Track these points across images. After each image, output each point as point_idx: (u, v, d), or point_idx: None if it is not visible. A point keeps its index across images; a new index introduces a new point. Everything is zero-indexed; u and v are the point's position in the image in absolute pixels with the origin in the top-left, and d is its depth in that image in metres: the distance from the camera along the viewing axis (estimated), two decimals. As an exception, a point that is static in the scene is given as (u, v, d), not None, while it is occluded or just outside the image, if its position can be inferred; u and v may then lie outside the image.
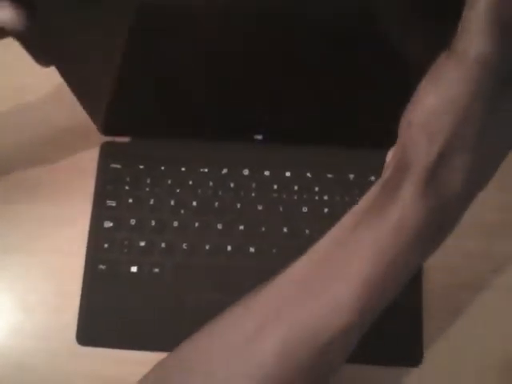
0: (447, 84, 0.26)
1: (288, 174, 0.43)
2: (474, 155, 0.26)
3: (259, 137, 0.43)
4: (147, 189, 0.43)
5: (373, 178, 0.43)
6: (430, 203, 0.26)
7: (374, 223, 0.27)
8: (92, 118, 0.42)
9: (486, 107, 0.25)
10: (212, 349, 0.28)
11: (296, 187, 0.43)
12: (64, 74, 0.36)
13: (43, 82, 0.46)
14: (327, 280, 0.27)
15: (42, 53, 0.33)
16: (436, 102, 0.26)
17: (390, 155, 0.29)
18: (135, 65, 0.39)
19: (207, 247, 0.42)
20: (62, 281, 0.42)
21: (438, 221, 0.26)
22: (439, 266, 0.41)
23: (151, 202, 0.43)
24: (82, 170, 0.44)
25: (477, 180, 0.27)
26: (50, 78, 0.45)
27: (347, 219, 0.29)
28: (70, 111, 0.45)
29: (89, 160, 0.44)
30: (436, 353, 0.40)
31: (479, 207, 0.42)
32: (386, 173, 0.28)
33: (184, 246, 0.42)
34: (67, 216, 0.43)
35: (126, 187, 0.43)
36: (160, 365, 0.29)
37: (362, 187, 0.43)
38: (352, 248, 0.27)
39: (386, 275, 0.26)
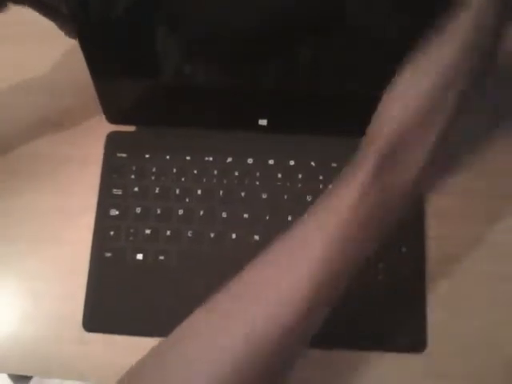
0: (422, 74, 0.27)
1: (292, 162, 0.43)
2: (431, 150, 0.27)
3: (264, 122, 0.43)
4: (153, 177, 0.43)
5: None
6: (382, 185, 0.27)
7: (329, 207, 0.28)
8: (103, 106, 0.43)
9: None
10: (199, 333, 0.28)
11: (300, 176, 0.43)
12: (85, 49, 0.37)
13: (50, 74, 0.47)
14: (284, 266, 0.28)
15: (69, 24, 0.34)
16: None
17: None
18: (145, 52, 0.40)
19: (212, 235, 0.42)
20: (69, 268, 0.43)
21: (388, 204, 0.28)
22: (443, 255, 0.42)
23: (156, 190, 0.43)
24: (88, 159, 0.44)
25: (428, 170, 0.28)
26: (57, 70, 0.47)
27: (315, 202, 0.30)
28: (78, 99, 0.46)
29: (95, 149, 0.45)
30: (440, 338, 0.40)
31: (486, 194, 0.43)
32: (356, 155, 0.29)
33: (189, 233, 0.42)
34: (74, 205, 0.44)
35: (132, 176, 0.44)
36: (154, 349, 0.29)
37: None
38: (306, 233, 0.28)
39: (337, 260, 0.27)
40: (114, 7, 0.35)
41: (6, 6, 0.35)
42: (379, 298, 0.40)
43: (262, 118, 0.43)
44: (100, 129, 0.45)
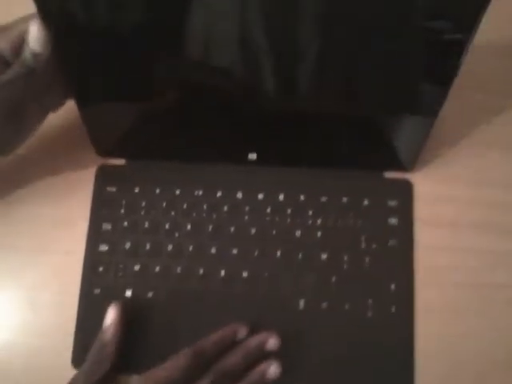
0: None
1: (281, 197, 0.43)
2: None
3: (253, 156, 0.43)
4: (142, 212, 0.43)
5: (366, 202, 0.43)
6: None
7: None
8: (91, 139, 0.43)
9: None
10: None
11: (289, 210, 0.43)
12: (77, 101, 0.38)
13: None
14: None
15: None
16: None
17: None
18: (134, 91, 0.40)
19: (201, 271, 0.42)
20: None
21: None
22: (433, 291, 0.41)
23: (146, 225, 0.43)
24: (78, 192, 0.44)
25: None
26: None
27: None
28: (67, 132, 0.46)
29: (85, 182, 0.45)
30: (430, 376, 0.40)
31: (479, 204, 0.43)
32: None
33: (178, 270, 0.42)
34: (64, 240, 0.44)
35: (122, 210, 0.44)
36: None
37: (356, 211, 0.43)
38: None
39: None
40: (99, 40, 0.35)
41: None
42: (368, 334, 0.40)
43: (252, 152, 0.43)
44: (91, 161, 0.45)
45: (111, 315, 0.39)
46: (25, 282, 0.43)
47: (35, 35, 0.33)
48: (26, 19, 0.34)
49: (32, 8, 0.32)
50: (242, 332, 0.39)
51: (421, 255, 0.42)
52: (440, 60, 0.35)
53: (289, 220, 0.43)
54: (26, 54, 0.34)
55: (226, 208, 0.43)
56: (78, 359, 0.41)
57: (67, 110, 0.42)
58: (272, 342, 0.38)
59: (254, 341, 0.38)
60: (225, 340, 0.38)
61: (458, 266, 0.42)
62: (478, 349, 0.40)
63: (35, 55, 0.34)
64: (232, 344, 0.38)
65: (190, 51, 0.36)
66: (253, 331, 0.40)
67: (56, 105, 0.41)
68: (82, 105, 0.40)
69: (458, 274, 0.42)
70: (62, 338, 0.41)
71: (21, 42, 0.34)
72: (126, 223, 0.43)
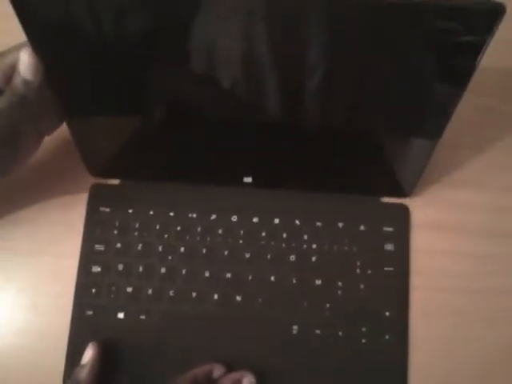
0: None
1: (276, 221, 0.43)
2: None
3: (248, 179, 0.43)
4: (136, 233, 0.43)
5: (362, 227, 0.42)
6: None
7: None
8: (84, 160, 0.42)
9: None
10: None
11: (284, 235, 0.42)
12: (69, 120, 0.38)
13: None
14: None
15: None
16: None
17: None
18: (127, 112, 0.39)
19: (194, 295, 0.41)
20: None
21: None
22: (427, 321, 0.41)
23: (139, 247, 0.43)
24: (72, 212, 0.44)
25: None
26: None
27: None
28: (62, 152, 0.45)
29: (78, 201, 0.44)
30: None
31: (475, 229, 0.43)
32: None
33: (171, 293, 0.42)
34: (56, 261, 0.43)
35: (115, 231, 0.43)
36: None
37: (351, 236, 0.42)
38: None
39: None
40: (89, 66, 0.35)
41: None
42: (361, 362, 0.40)
43: (247, 175, 0.42)
44: (85, 180, 0.44)
45: (89, 354, 0.39)
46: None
47: (26, 63, 0.33)
48: (17, 48, 0.34)
49: (22, 37, 0.32)
50: (218, 371, 0.39)
51: (417, 281, 0.42)
52: (444, 86, 0.34)
53: (284, 244, 0.42)
54: (17, 82, 0.34)
55: (220, 231, 0.43)
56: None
57: (62, 130, 0.41)
58: (247, 381, 0.38)
59: (228, 380, 0.38)
60: (200, 378, 0.38)
61: (455, 294, 0.41)
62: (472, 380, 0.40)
63: (26, 83, 0.34)
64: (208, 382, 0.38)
65: (186, 73, 0.35)
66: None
67: (51, 128, 0.40)
68: (73, 127, 0.39)
69: (454, 304, 0.41)
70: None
71: (12, 71, 0.34)
72: (119, 244, 0.43)
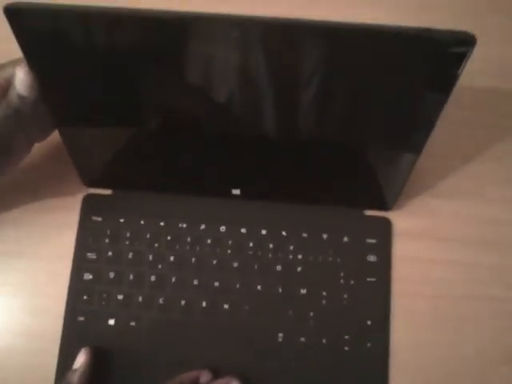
0: None
1: (264, 232, 0.44)
2: None
3: (237, 191, 0.44)
4: (127, 242, 0.44)
5: (346, 239, 0.44)
6: None
7: None
8: (77, 170, 0.44)
9: None
10: None
11: (271, 245, 0.44)
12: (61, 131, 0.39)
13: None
14: None
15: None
16: None
17: None
18: (118, 124, 0.40)
19: (183, 303, 0.43)
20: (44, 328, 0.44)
21: None
22: (409, 327, 0.43)
23: (130, 255, 0.44)
24: (64, 221, 0.45)
25: None
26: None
27: None
28: (55, 162, 0.47)
29: (71, 211, 0.45)
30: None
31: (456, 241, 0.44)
32: None
33: (160, 300, 0.43)
34: (49, 269, 0.44)
35: (107, 240, 0.44)
36: None
37: (335, 247, 0.44)
38: None
39: None
40: (83, 80, 0.36)
41: None
42: (344, 369, 0.42)
43: (235, 187, 0.44)
44: (77, 191, 0.46)
45: (81, 359, 0.40)
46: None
47: (22, 80, 0.34)
48: (13, 63, 0.35)
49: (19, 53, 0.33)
50: (205, 377, 0.40)
51: (398, 291, 0.43)
52: (424, 103, 0.35)
53: (270, 255, 0.44)
54: (13, 95, 0.35)
55: (209, 241, 0.44)
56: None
57: (55, 140, 0.42)
58: None
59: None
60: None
61: (436, 302, 0.43)
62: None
63: (21, 98, 0.35)
64: None
65: (177, 86, 0.36)
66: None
67: (42, 135, 0.41)
68: (66, 138, 0.41)
69: (435, 312, 0.43)
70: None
71: (8, 84, 0.35)
72: (110, 253, 0.44)
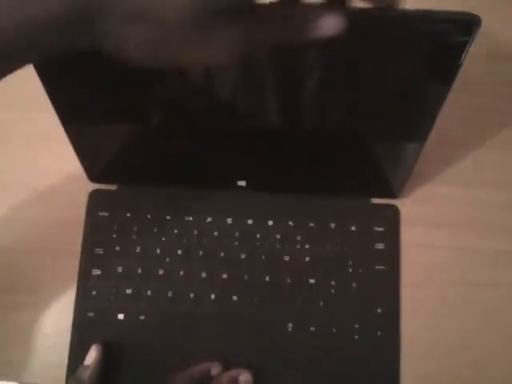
0: None
1: (270, 222, 0.44)
2: None
3: (242, 183, 0.44)
4: (134, 237, 0.44)
5: (354, 228, 0.44)
6: None
7: None
8: (83, 165, 0.44)
9: None
10: None
11: (278, 236, 0.44)
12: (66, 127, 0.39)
13: (32, 131, 0.48)
14: None
15: None
16: None
17: None
18: (124, 121, 0.40)
19: (191, 295, 0.43)
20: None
21: None
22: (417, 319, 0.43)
23: (138, 250, 0.44)
24: (71, 217, 0.45)
25: None
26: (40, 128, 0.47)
27: None
28: (60, 157, 0.47)
29: (77, 207, 0.45)
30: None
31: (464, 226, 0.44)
32: None
33: (169, 293, 0.43)
34: (57, 265, 0.45)
35: (114, 235, 0.44)
36: None
37: (343, 236, 0.44)
38: None
39: None
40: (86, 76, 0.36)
41: None
42: (354, 358, 0.41)
43: (241, 179, 0.44)
44: (83, 186, 0.46)
45: (92, 355, 0.40)
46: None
47: None
48: None
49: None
50: (215, 369, 0.40)
51: (407, 278, 0.43)
52: (429, 90, 0.35)
53: (278, 245, 0.44)
54: None
55: (216, 233, 0.44)
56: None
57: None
58: (243, 378, 0.40)
59: (226, 377, 0.40)
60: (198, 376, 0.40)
61: (446, 289, 0.43)
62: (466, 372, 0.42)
63: None
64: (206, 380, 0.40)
65: (182, 82, 0.36)
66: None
67: None
68: (72, 135, 0.40)
69: (445, 298, 0.43)
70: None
71: None
72: (117, 248, 0.44)
